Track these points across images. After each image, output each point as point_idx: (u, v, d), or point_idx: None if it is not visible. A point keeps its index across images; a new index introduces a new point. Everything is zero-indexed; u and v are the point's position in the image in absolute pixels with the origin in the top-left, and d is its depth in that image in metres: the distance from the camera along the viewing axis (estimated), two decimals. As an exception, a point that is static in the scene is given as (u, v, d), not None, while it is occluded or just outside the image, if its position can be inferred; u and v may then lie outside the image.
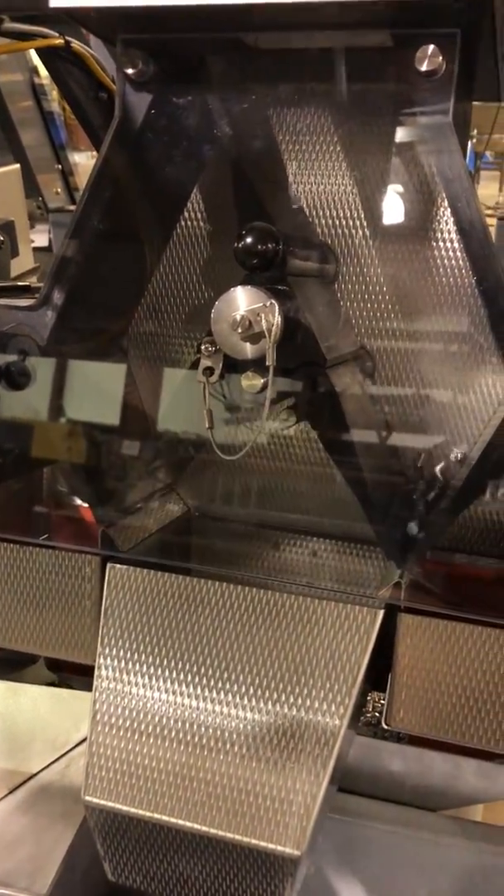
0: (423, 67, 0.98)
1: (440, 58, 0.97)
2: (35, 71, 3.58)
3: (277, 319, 1.03)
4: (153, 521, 1.37)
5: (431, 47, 0.97)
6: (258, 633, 1.16)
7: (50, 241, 3.47)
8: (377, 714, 1.77)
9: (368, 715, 1.78)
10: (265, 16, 0.98)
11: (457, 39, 0.97)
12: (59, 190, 3.48)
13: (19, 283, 1.60)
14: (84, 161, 3.95)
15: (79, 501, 1.42)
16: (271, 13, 0.97)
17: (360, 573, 1.32)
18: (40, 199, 3.43)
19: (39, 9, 1.09)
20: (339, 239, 1.21)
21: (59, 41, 1.40)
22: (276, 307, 1.04)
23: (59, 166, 3.47)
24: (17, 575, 1.31)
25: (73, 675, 1.72)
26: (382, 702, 1.30)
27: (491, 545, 1.23)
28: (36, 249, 3.20)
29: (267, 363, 1.03)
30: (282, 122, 1.17)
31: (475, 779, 1.56)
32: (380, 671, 1.17)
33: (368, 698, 1.59)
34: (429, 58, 0.97)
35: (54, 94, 3.47)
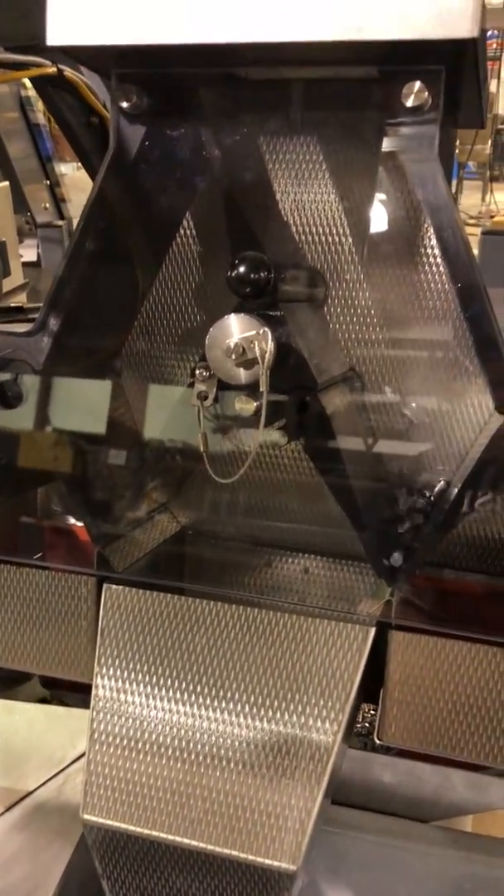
0: (409, 103, 1.01)
1: (426, 94, 1.01)
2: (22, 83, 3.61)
3: (270, 346, 1.06)
4: (148, 540, 1.39)
5: (417, 84, 1.00)
6: (253, 651, 1.19)
7: (39, 255, 3.49)
8: (367, 725, 1.80)
9: (359, 726, 1.81)
10: (256, 52, 1.01)
11: (442, 76, 1.00)
12: (47, 205, 3.50)
13: (12, 305, 1.62)
14: (70, 172, 3.97)
15: (73, 521, 1.44)
16: (262, 50, 1.00)
17: (352, 589, 1.35)
18: (28, 213, 3.46)
19: (37, 42, 1.11)
20: (328, 263, 1.24)
21: (53, 70, 1.43)
22: (269, 334, 1.06)
23: (47, 181, 3.49)
24: (13, 595, 1.33)
25: (68, 691, 1.73)
26: (373, 712, 1.32)
27: (479, 561, 1.26)
28: (25, 264, 3.22)
29: (261, 389, 1.05)
30: (272, 150, 1.20)
31: (465, 790, 1.59)
32: (372, 684, 1.19)
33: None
34: (415, 94, 1.01)
35: (40, 104, 3.49)
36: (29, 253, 3.45)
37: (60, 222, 3.48)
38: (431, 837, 1.56)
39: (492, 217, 9.55)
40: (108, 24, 1.01)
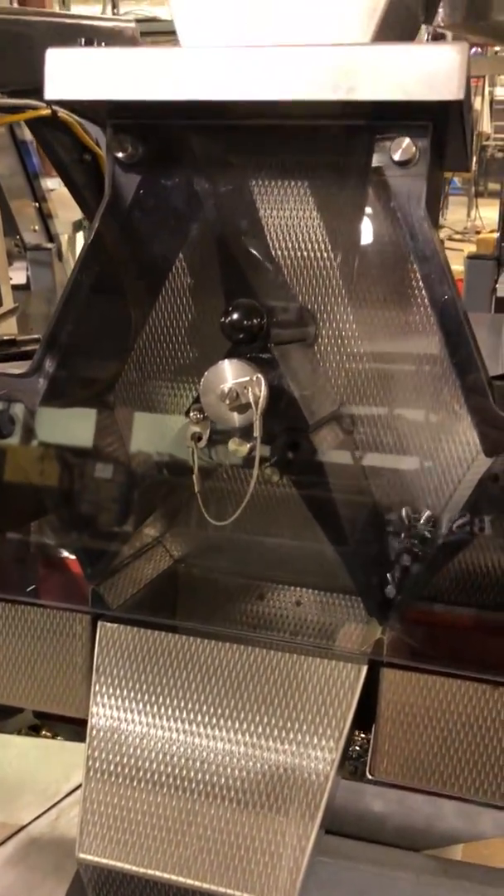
0: (398, 157, 1.04)
1: (414, 148, 1.04)
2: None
3: (264, 392, 1.08)
4: (142, 575, 1.41)
5: (406, 140, 1.03)
6: (247, 690, 1.20)
7: (28, 278, 3.51)
8: (356, 748, 1.82)
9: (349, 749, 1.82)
10: (250, 107, 1.04)
11: (429, 130, 1.03)
12: (36, 227, 3.52)
13: (5, 338, 1.63)
14: (57, 187, 3.99)
15: (67, 555, 1.45)
16: (256, 106, 1.03)
17: (345, 625, 1.37)
18: (18, 237, 3.48)
19: (33, 87, 1.14)
20: (318, 303, 1.27)
21: (47, 112, 1.46)
22: (262, 380, 1.09)
23: (36, 204, 3.52)
24: (7, 631, 1.34)
25: (59, 722, 1.74)
26: (362, 735, 1.34)
27: (469, 595, 1.29)
28: (14, 287, 3.23)
29: (255, 434, 1.08)
30: (264, 196, 1.22)
31: (456, 819, 1.61)
32: (364, 712, 1.21)
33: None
34: (403, 149, 1.04)
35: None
36: (18, 276, 3.47)
37: (50, 245, 3.50)
38: (423, 866, 1.58)
39: (477, 233, 9.64)
40: (104, 80, 1.03)
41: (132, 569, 1.38)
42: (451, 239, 10.06)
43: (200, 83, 1.00)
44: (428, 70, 0.94)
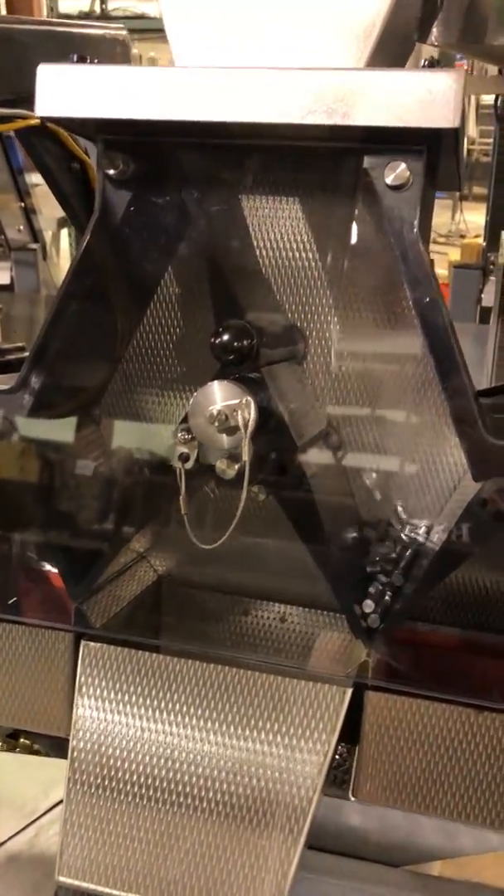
0: (391, 181, 1.03)
1: (408, 173, 1.03)
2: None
3: (253, 415, 1.08)
4: (125, 593, 1.39)
5: (402, 165, 1.02)
6: (231, 710, 1.20)
7: (12, 279, 3.47)
8: (336, 756, 1.82)
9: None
10: (245, 127, 1.03)
11: (424, 156, 1.03)
12: (21, 227, 3.48)
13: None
14: (41, 180, 3.95)
15: (50, 569, 1.44)
16: (250, 127, 1.02)
17: (330, 643, 1.36)
18: (3, 236, 3.43)
19: (25, 99, 1.13)
20: (308, 320, 1.27)
21: (37, 121, 1.44)
22: (252, 403, 1.08)
23: (21, 203, 3.47)
24: (-12, 647, 1.32)
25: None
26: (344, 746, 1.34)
27: (454, 620, 1.29)
28: (-1, 288, 3.20)
29: (243, 458, 1.07)
30: (254, 214, 1.22)
31: (435, 835, 1.61)
32: (348, 727, 1.20)
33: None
34: (396, 174, 1.03)
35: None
36: (2, 276, 3.42)
37: (35, 245, 3.46)
38: (403, 882, 1.58)
39: (462, 237, 9.67)
40: (96, 98, 1.02)
41: (116, 586, 1.37)
42: (435, 242, 10.10)
43: (193, 103, 0.99)
44: (423, 97, 0.94)
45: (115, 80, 1.01)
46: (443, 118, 0.94)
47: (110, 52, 1.74)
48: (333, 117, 0.96)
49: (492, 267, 3.73)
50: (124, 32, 1.76)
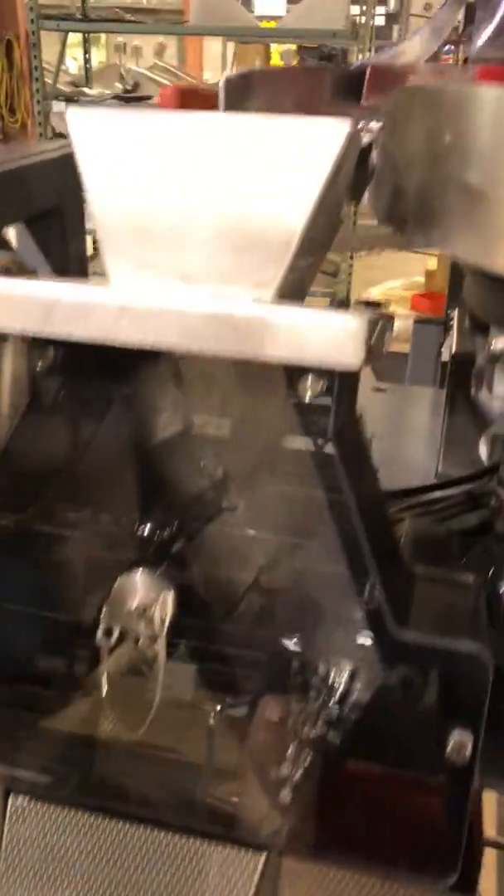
0: (306, 397, 1.07)
1: (318, 387, 1.07)
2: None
3: (170, 609, 1.12)
4: (54, 744, 1.43)
5: (310, 379, 1.06)
6: (150, 875, 1.24)
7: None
8: None
9: None
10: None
11: (336, 375, 1.07)
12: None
13: None
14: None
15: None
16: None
17: (248, 806, 1.41)
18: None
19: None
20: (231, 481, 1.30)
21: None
22: (171, 597, 1.12)
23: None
24: None
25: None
26: None
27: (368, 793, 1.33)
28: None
29: (159, 659, 1.11)
30: (180, 404, 1.25)
31: None
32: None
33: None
34: (309, 387, 1.07)
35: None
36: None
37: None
38: None
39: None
40: (19, 312, 1.05)
41: (45, 736, 1.40)
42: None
43: (110, 325, 1.03)
44: (329, 339, 0.98)
45: (37, 294, 1.04)
46: (344, 359, 0.98)
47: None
48: (245, 351, 1.00)
49: (451, 323, 3.78)
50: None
